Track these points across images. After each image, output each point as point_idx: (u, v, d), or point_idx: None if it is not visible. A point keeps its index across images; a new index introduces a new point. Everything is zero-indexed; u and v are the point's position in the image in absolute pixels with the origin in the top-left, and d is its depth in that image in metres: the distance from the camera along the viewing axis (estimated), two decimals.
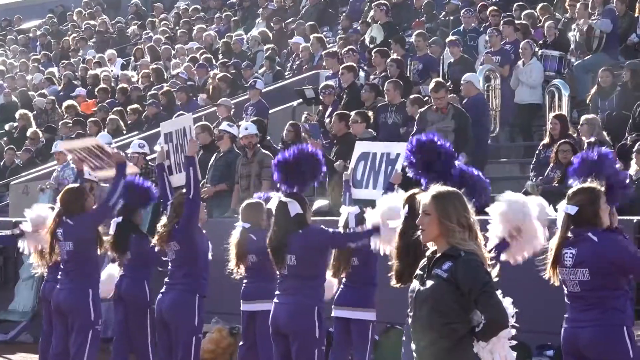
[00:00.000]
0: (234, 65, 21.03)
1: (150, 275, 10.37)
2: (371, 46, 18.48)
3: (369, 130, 13.94)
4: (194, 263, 9.25)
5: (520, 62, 15.79)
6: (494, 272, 5.51)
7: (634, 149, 11.90)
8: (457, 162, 7.81)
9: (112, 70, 24.47)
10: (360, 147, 10.33)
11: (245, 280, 9.82)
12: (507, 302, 5.42)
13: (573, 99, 15.37)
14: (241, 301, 9.98)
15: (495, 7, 18.34)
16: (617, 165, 7.64)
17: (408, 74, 16.81)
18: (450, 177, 7.47)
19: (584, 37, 16.20)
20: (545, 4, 18.51)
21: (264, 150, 13.99)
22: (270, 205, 8.69)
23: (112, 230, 10.37)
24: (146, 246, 9.82)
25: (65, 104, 21.83)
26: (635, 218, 10.31)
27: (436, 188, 5.60)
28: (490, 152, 15.11)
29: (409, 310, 5.61)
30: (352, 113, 14.04)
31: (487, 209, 7.29)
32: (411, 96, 14.64)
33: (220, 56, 22.61)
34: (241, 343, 10.22)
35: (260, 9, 25.58)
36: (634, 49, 16.31)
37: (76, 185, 9.94)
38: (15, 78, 26.37)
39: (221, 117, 16.37)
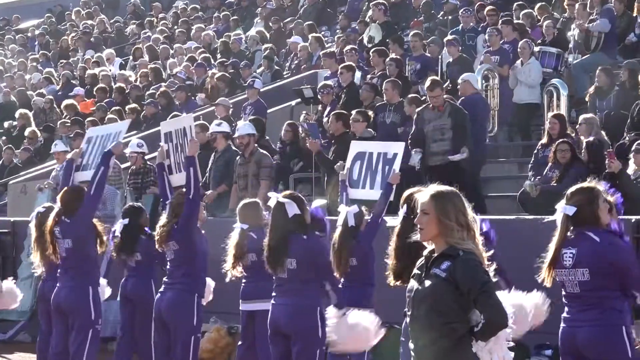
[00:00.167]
0: (233, 65, 21.03)
1: (157, 275, 10.37)
2: (369, 46, 18.48)
3: (369, 129, 13.95)
4: (193, 263, 9.26)
5: (518, 62, 15.78)
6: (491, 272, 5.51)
7: (632, 149, 11.91)
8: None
9: (110, 70, 24.46)
10: (355, 147, 10.30)
11: (244, 280, 9.80)
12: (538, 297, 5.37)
13: (571, 99, 15.37)
14: (240, 301, 9.95)
15: (493, 7, 18.33)
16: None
17: (407, 74, 16.81)
18: None
19: (583, 35, 16.21)
20: (543, 3, 18.51)
21: (261, 150, 13.98)
22: (269, 203, 8.67)
23: (118, 231, 10.38)
24: (153, 246, 9.82)
25: (64, 103, 21.82)
26: (633, 217, 10.31)
27: (434, 187, 5.59)
28: (489, 151, 15.11)
29: (406, 309, 5.61)
30: (353, 112, 14.04)
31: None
32: (409, 96, 14.63)
33: (218, 56, 22.62)
34: (240, 342, 10.21)
35: (259, 9, 25.60)
36: (632, 48, 16.31)
37: (76, 185, 9.97)
38: (14, 78, 26.37)
39: (219, 117, 16.37)
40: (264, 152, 13.98)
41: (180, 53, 23.82)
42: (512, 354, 5.55)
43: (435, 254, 5.49)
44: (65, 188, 9.84)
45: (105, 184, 10.13)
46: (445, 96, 13.67)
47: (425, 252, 5.59)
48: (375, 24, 19.32)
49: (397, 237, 6.50)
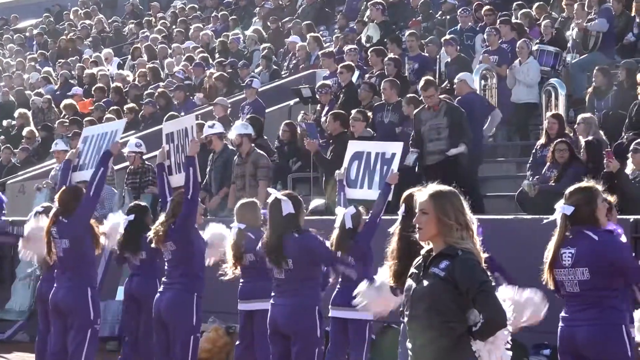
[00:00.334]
0: (231, 65, 21.03)
1: (161, 274, 10.35)
2: (367, 45, 18.48)
3: (368, 129, 13.95)
4: (190, 263, 9.25)
5: (517, 61, 15.78)
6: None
7: (631, 148, 11.91)
8: None
9: (108, 70, 24.46)
10: (353, 147, 10.29)
11: (242, 280, 9.81)
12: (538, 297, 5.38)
13: (569, 98, 15.38)
14: (238, 300, 9.96)
15: (490, 7, 18.33)
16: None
17: (405, 74, 16.80)
18: None
19: (581, 35, 16.22)
20: (541, 3, 18.52)
21: (258, 150, 13.93)
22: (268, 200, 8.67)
23: (122, 229, 10.36)
24: None
25: (63, 102, 21.81)
26: (632, 217, 10.31)
27: (433, 187, 5.59)
28: (487, 151, 15.12)
29: (404, 308, 5.60)
30: (353, 111, 14.04)
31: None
32: (407, 95, 14.63)
33: (216, 55, 22.62)
34: (237, 342, 10.20)
35: (257, 8, 25.58)
36: (630, 48, 16.32)
37: (74, 185, 9.96)
38: (12, 77, 26.38)
39: (217, 117, 16.36)
40: (261, 152, 13.94)
41: (178, 53, 23.82)
42: (510, 354, 5.55)
43: (434, 253, 5.49)
44: (63, 188, 9.81)
45: (104, 185, 10.11)
46: (442, 96, 13.66)
47: (422, 252, 5.59)
48: (373, 23, 19.32)
49: (396, 237, 6.49)
